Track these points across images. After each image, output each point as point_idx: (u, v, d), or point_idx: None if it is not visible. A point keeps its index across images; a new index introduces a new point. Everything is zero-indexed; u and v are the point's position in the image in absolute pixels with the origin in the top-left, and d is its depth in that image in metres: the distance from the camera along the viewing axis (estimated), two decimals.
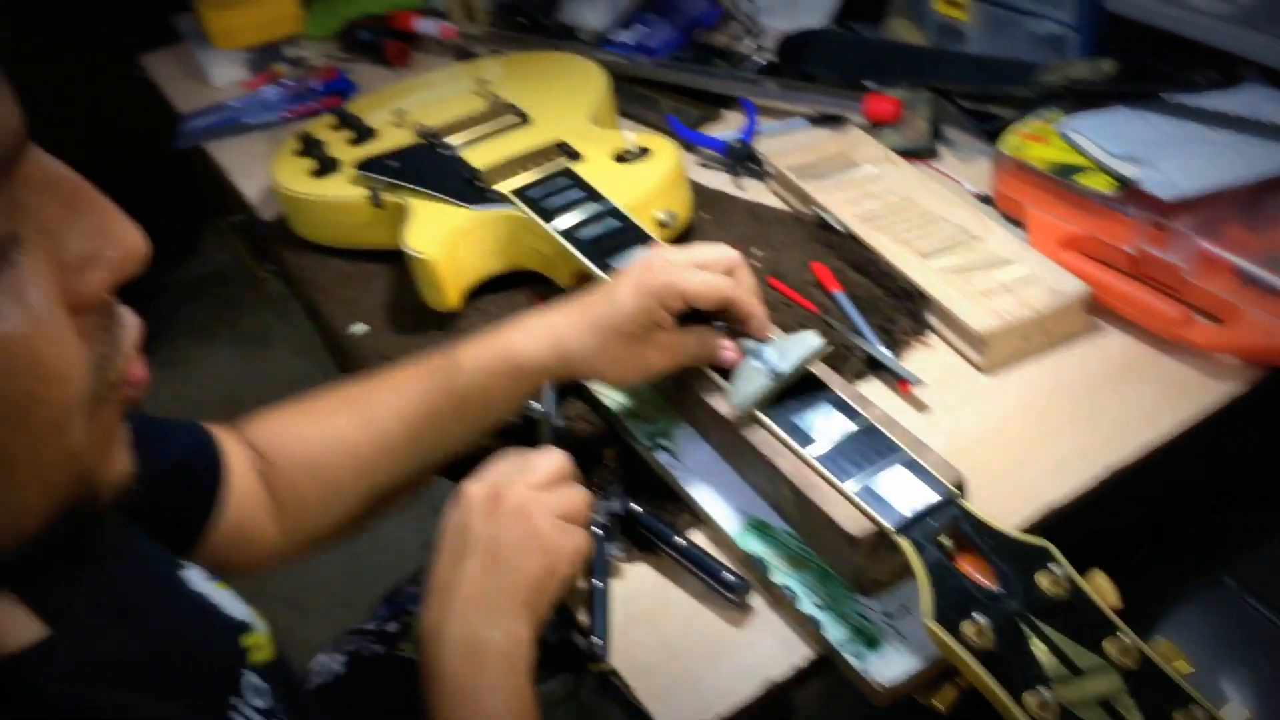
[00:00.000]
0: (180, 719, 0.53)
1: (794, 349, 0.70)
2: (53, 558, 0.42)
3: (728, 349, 0.73)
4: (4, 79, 0.36)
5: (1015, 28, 1.10)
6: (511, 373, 0.73)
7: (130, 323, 0.44)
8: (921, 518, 0.61)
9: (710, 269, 0.72)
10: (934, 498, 0.62)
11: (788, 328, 0.76)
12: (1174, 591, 0.78)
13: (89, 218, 0.40)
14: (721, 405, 0.72)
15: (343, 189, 1.05)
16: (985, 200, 0.99)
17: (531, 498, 0.67)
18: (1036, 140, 0.95)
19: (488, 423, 0.77)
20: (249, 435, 0.78)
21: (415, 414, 0.75)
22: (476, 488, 0.67)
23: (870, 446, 0.66)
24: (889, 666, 0.63)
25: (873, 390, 0.82)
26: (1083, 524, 0.72)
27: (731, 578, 0.69)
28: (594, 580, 0.71)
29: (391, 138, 1.10)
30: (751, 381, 0.70)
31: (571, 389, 0.85)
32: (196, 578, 0.64)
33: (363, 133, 1.11)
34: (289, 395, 0.79)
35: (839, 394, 0.70)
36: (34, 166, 0.38)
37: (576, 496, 0.69)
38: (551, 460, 0.69)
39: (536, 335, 0.73)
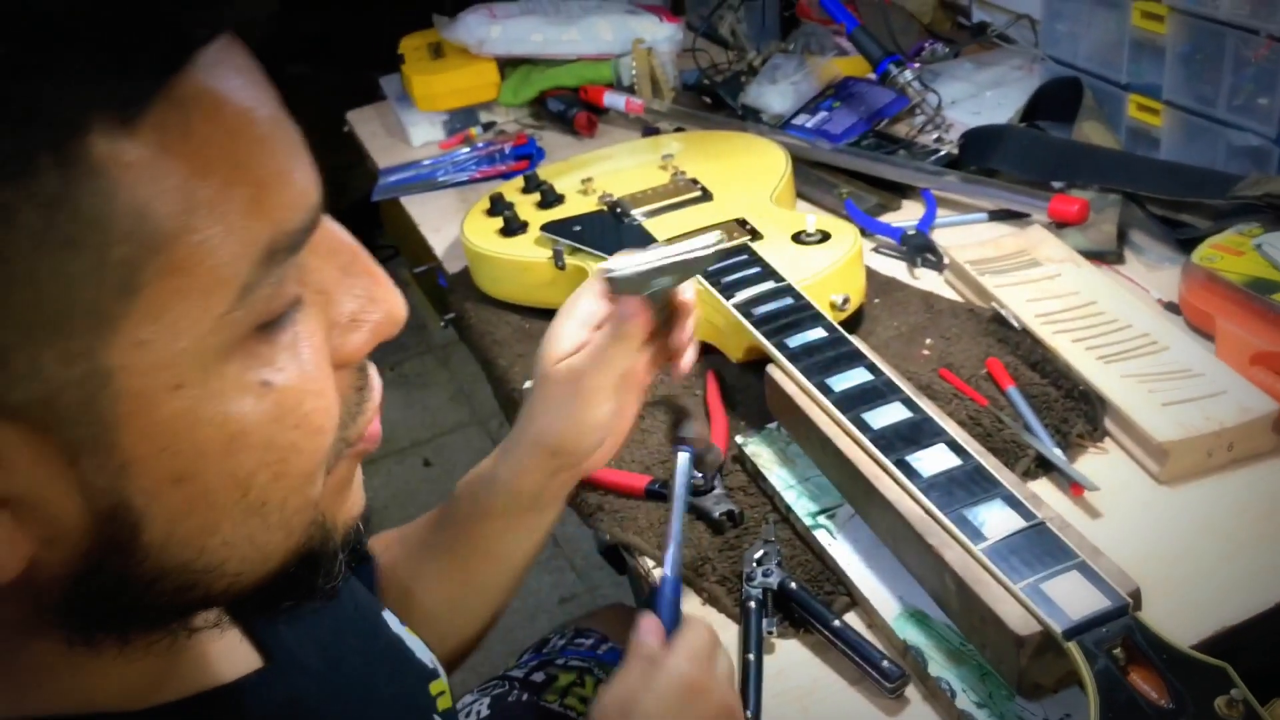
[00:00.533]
0: None
1: (684, 246, 0.68)
2: (283, 595, 0.45)
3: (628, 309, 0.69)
4: (309, 158, 0.39)
5: (1213, 137, 1.08)
6: (491, 488, 0.74)
7: (376, 383, 0.47)
8: (1092, 624, 0.60)
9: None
10: (1106, 605, 0.61)
11: (961, 424, 0.75)
12: None
13: (362, 282, 0.44)
14: (889, 490, 0.72)
15: (527, 249, 1.09)
16: (1172, 309, 0.97)
17: (733, 697, 0.63)
18: (1231, 253, 0.93)
19: (506, 552, 0.77)
20: (374, 548, 0.81)
21: (433, 547, 0.78)
22: (702, 683, 0.61)
23: (1041, 547, 0.65)
24: None
25: (1043, 491, 0.81)
26: (1269, 650, 0.69)
27: (890, 666, 0.68)
28: (748, 654, 0.72)
29: (577, 204, 1.14)
30: (632, 287, 0.69)
31: (734, 460, 0.86)
32: (393, 620, 0.67)
33: (550, 197, 1.16)
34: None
35: (1011, 490, 0.69)
36: (321, 232, 0.41)
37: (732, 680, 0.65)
38: (713, 642, 0.64)
39: (504, 444, 0.74)
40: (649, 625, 0.63)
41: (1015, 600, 0.63)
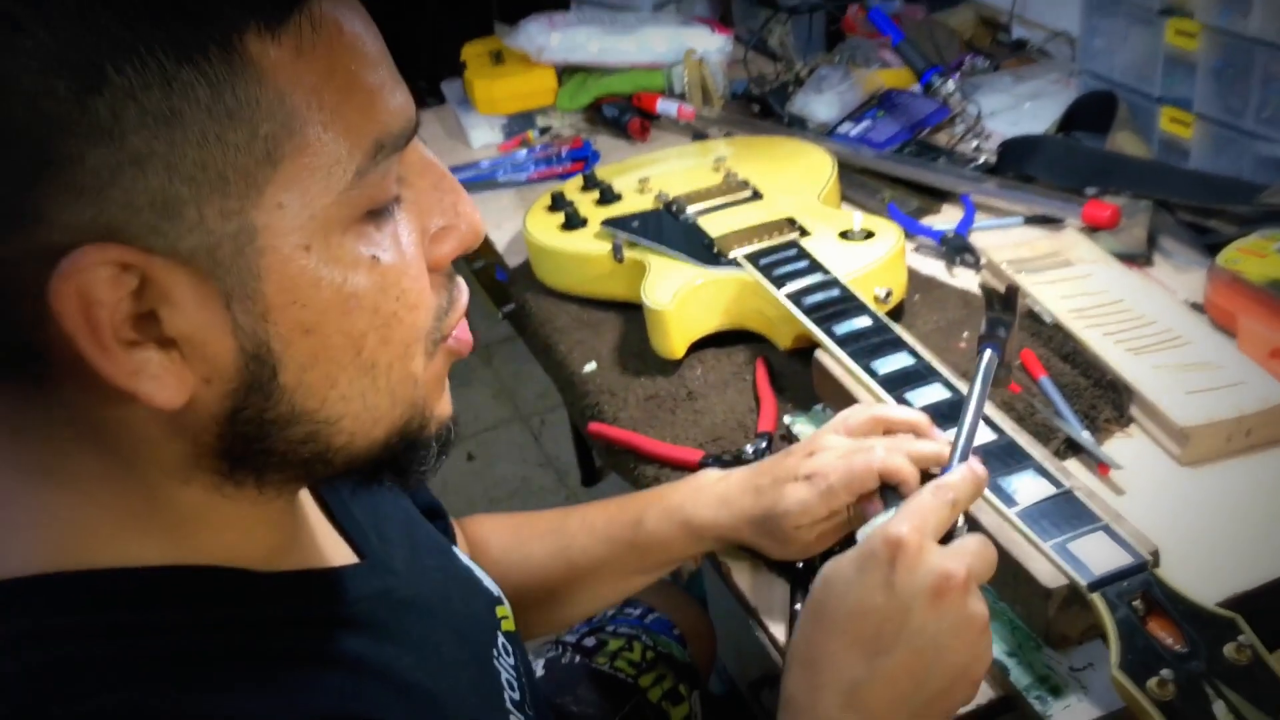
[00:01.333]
0: (457, 656, 0.62)
1: None
2: (384, 469, 0.53)
3: (874, 505, 0.72)
4: (401, 79, 0.48)
5: (1241, 148, 1.13)
6: (689, 535, 0.79)
7: (464, 289, 0.55)
8: (1115, 579, 0.66)
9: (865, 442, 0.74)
10: (1128, 561, 0.67)
11: (1001, 409, 0.81)
12: None
13: (449, 198, 0.52)
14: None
15: (587, 242, 1.16)
16: (1197, 308, 1.02)
17: (974, 578, 0.57)
18: (1254, 255, 0.99)
19: (667, 568, 0.85)
20: (468, 530, 0.89)
21: (602, 557, 0.83)
22: (913, 542, 0.57)
23: (1069, 511, 0.71)
24: (1070, 715, 0.67)
25: (1072, 470, 0.86)
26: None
27: None
28: (795, 606, 0.78)
29: (634, 202, 1.21)
30: None
31: (783, 438, 0.92)
32: (462, 555, 0.75)
33: (608, 195, 1.23)
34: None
35: (1041, 462, 0.75)
36: (414, 151, 0.50)
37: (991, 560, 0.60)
38: (987, 547, 0.60)
39: (714, 511, 0.78)
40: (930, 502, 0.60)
41: (1044, 558, 0.69)
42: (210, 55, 0.41)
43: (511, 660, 0.69)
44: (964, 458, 0.67)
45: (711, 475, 0.81)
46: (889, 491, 0.72)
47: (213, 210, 0.42)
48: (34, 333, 0.42)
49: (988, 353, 0.74)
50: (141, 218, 0.41)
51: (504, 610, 0.73)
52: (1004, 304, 0.69)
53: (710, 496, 0.78)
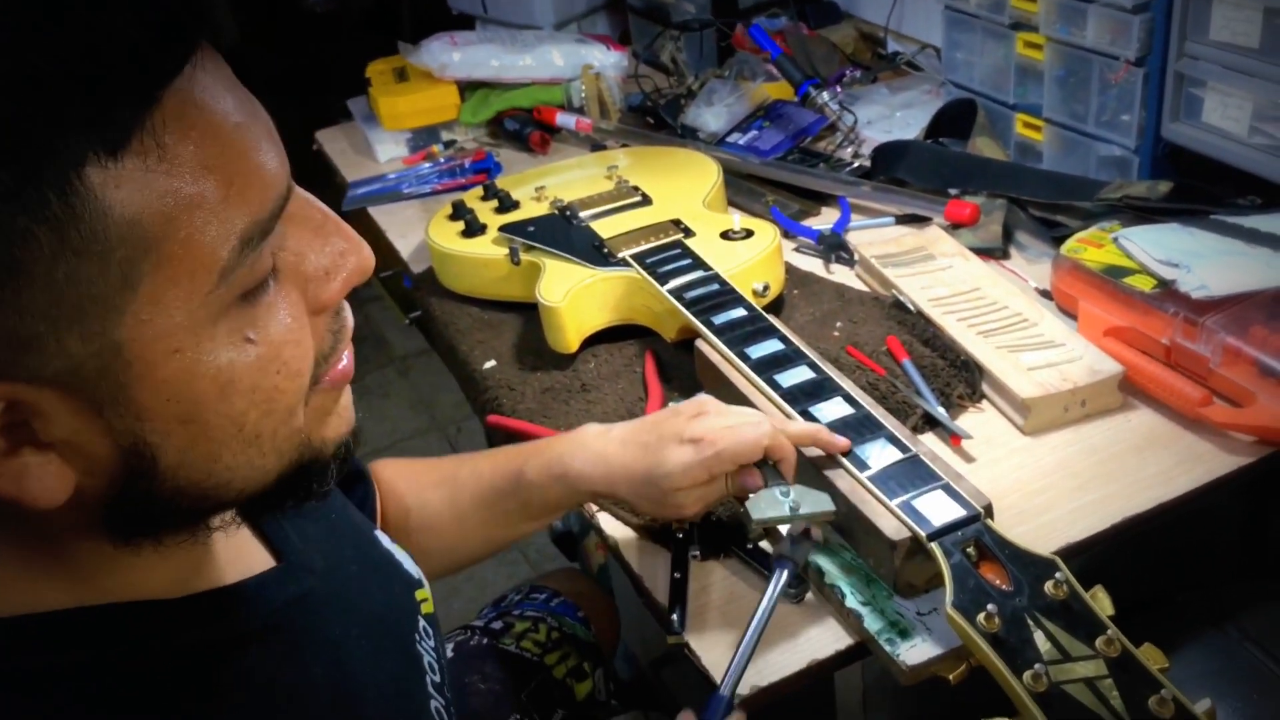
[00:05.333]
0: (377, 647, 0.65)
1: (811, 502, 0.77)
2: (286, 498, 0.54)
3: (754, 478, 0.79)
4: (277, 145, 0.47)
5: (1085, 149, 1.24)
6: (566, 487, 0.83)
7: (348, 320, 0.55)
8: (950, 529, 0.74)
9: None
10: (962, 514, 0.75)
11: (862, 389, 0.89)
12: (1184, 635, 0.89)
13: (333, 240, 0.52)
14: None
15: (486, 248, 1.23)
16: (1045, 295, 1.12)
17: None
18: (1092, 245, 1.09)
19: (548, 516, 0.89)
20: (377, 475, 0.92)
21: (486, 502, 0.87)
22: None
23: (914, 473, 0.79)
24: (915, 653, 0.75)
25: (928, 443, 0.95)
26: (1125, 583, 0.82)
27: (792, 578, 0.81)
28: (675, 574, 0.85)
29: (531, 209, 1.28)
30: (771, 506, 0.76)
31: None
32: (383, 538, 0.79)
33: (506, 203, 1.29)
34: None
35: (893, 431, 0.83)
36: (292, 201, 0.49)
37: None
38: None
39: (592, 465, 0.81)
40: None
41: (891, 514, 0.77)
42: (48, 199, 0.39)
43: (432, 643, 0.73)
44: (737, 677, 0.72)
45: (594, 429, 0.84)
46: (768, 468, 0.80)
47: (72, 338, 0.42)
48: None
49: (782, 573, 0.77)
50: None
51: (424, 594, 0.77)
52: (804, 535, 0.78)
53: (590, 453, 0.81)
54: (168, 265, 0.43)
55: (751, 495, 0.78)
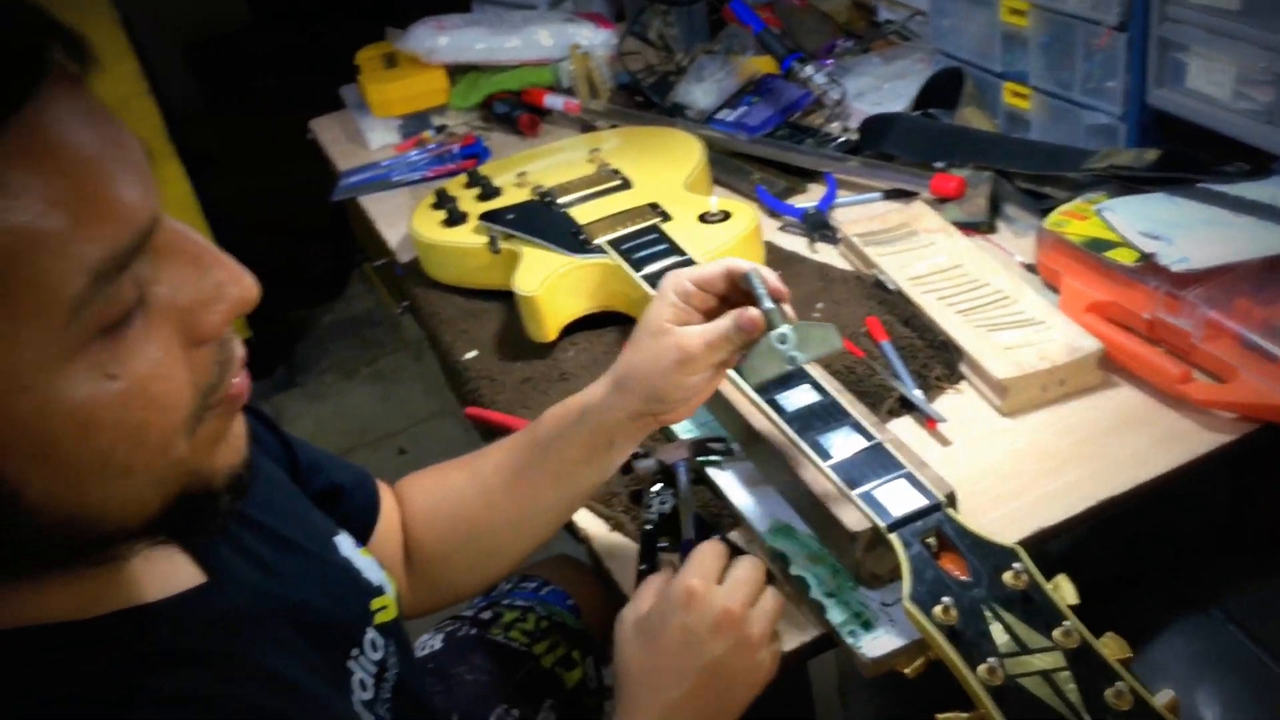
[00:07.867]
0: (306, 665, 0.63)
1: (813, 343, 0.75)
2: (174, 528, 0.53)
3: (752, 313, 0.74)
4: (142, 175, 0.46)
5: (1073, 118, 1.21)
6: (579, 419, 0.80)
7: (238, 349, 0.54)
8: (911, 519, 0.73)
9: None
10: (924, 503, 0.74)
11: (838, 373, 0.88)
12: (1166, 617, 0.87)
13: (211, 271, 0.50)
14: (757, 421, 0.85)
15: (467, 237, 1.22)
16: (1031, 269, 1.10)
17: (760, 623, 0.73)
18: (1076, 218, 1.06)
19: (575, 481, 0.83)
20: (399, 490, 0.92)
21: (508, 466, 0.85)
22: (700, 590, 0.72)
23: (877, 462, 0.78)
24: (877, 645, 0.74)
25: (905, 426, 0.94)
26: (1103, 565, 0.81)
27: None
28: (641, 566, 0.84)
29: (512, 195, 1.27)
30: (767, 362, 0.75)
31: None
32: (345, 544, 0.77)
33: (488, 190, 1.29)
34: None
35: (859, 419, 0.82)
36: (163, 233, 0.48)
37: (777, 609, 0.74)
38: (756, 571, 0.75)
39: (596, 383, 0.81)
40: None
41: (853, 505, 0.76)
42: None
43: (378, 655, 0.72)
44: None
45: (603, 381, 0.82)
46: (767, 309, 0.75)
47: None
48: None
49: (680, 470, 0.88)
50: None
51: (382, 601, 0.76)
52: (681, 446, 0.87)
53: (601, 386, 0.81)
54: (9, 301, 0.42)
55: (743, 357, 0.76)
